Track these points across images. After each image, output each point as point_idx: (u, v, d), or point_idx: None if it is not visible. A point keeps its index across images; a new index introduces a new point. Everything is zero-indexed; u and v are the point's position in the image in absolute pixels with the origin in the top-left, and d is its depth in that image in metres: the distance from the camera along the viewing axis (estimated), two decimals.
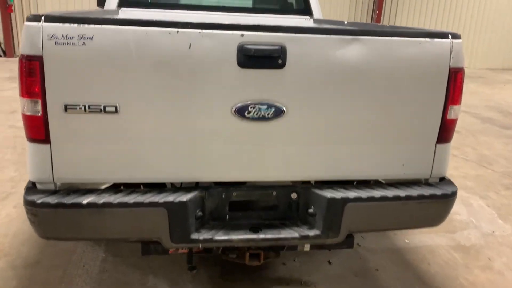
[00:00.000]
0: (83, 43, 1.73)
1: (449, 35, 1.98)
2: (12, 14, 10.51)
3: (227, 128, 1.90)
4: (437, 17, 13.21)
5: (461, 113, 2.07)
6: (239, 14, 3.97)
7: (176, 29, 1.77)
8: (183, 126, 1.87)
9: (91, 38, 1.73)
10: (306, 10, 4.06)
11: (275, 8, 4.30)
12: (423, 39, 1.95)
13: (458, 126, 2.12)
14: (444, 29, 13.17)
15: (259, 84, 1.87)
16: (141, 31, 1.76)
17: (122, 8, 3.73)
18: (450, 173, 4.58)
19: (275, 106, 1.89)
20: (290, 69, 1.87)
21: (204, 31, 1.79)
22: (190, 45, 1.79)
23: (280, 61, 1.85)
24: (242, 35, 1.81)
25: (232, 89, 1.86)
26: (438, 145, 2.11)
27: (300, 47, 1.86)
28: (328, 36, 1.88)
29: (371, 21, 12.65)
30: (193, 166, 1.94)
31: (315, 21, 4.00)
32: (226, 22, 1.83)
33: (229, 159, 1.96)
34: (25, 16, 10.77)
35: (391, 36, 1.93)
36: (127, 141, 1.86)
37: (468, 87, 9.73)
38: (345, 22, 3.29)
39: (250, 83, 1.86)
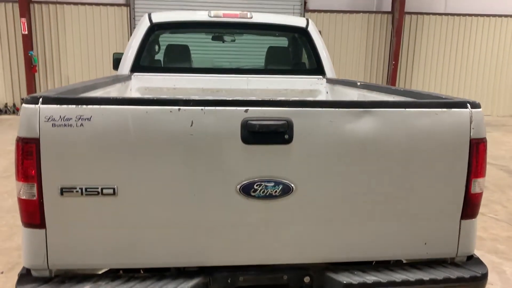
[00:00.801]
0: (81, 124, 1.66)
1: (468, 104, 1.86)
2: (36, 74, 10.93)
3: (232, 208, 1.78)
4: (455, 64, 13.14)
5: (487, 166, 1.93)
6: (252, 76, 3.95)
7: (177, 107, 1.70)
8: (185, 208, 1.76)
9: (89, 119, 1.67)
10: (318, 69, 4.03)
11: (288, 69, 4.28)
12: (439, 110, 1.83)
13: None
14: (463, 76, 13.06)
15: (265, 161, 1.76)
16: (140, 110, 1.69)
17: (135, 73, 3.76)
18: (478, 235, 4.31)
19: (283, 183, 1.77)
20: (298, 144, 1.76)
21: (206, 108, 1.71)
22: (192, 123, 1.71)
23: (286, 136, 1.75)
24: (246, 110, 1.72)
25: (237, 166, 1.75)
26: (463, 221, 1.93)
27: (307, 122, 1.76)
28: (336, 109, 1.78)
29: (388, 72, 12.64)
30: (196, 250, 1.81)
31: (328, 80, 3.96)
32: (230, 98, 1.75)
33: (234, 241, 1.83)
34: (48, 76, 11.18)
35: (404, 108, 1.82)
36: (125, 225, 1.75)
37: (493, 137, 9.47)
38: (358, 84, 3.21)
39: (255, 160, 1.76)
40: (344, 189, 1.82)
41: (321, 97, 3.99)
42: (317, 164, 1.79)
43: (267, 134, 1.74)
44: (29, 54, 10.56)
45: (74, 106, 1.66)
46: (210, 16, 3.86)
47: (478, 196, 1.93)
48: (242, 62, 8.36)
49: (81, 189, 1.69)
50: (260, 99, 1.75)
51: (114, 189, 1.71)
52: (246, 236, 1.82)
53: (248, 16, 3.89)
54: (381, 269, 1.91)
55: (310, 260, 1.91)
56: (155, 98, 1.71)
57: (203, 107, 1.71)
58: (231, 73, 3.97)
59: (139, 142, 1.70)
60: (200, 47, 6.80)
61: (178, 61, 4.11)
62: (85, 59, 11.39)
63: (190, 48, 4.16)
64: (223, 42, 4.81)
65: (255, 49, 6.25)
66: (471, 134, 1.84)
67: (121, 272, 1.87)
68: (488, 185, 5.91)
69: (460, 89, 13.12)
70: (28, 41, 10.58)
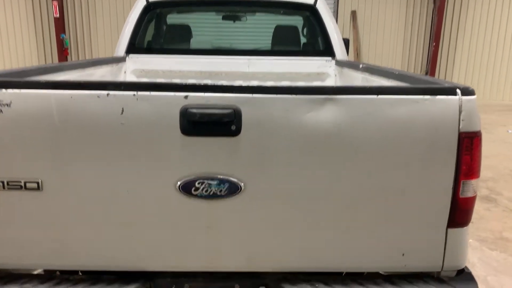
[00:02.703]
0: (0, 111, 1.49)
1: (458, 90, 1.53)
2: (68, 57, 11.10)
3: (171, 208, 1.56)
4: (504, 46, 12.13)
5: None
6: (254, 57, 3.68)
7: (105, 92, 1.49)
8: (118, 206, 1.56)
9: (9, 105, 1.49)
10: (327, 51, 3.69)
11: (294, 50, 3.97)
12: (420, 97, 1.52)
13: None
14: (506, 53, 11.95)
15: (208, 155, 1.53)
16: (65, 95, 1.49)
17: (130, 55, 3.59)
18: (506, 236, 3.90)
19: (229, 182, 1.53)
20: (247, 137, 1.51)
21: (139, 93, 1.49)
22: (122, 110, 1.49)
23: (233, 127, 1.50)
24: (185, 97, 1.49)
25: (175, 161, 1.53)
26: (450, 230, 1.62)
27: (258, 111, 1.50)
28: (293, 96, 1.50)
29: (428, 54, 11.87)
30: (134, 253, 1.62)
31: (337, 62, 3.62)
32: (166, 81, 1.52)
33: (176, 245, 1.61)
34: (80, 58, 11.34)
35: (377, 94, 1.51)
36: (54, 223, 1.58)
37: None
38: (360, 66, 2.88)
39: (197, 154, 1.52)
40: (302, 189, 1.56)
41: (330, 80, 3.66)
42: (270, 159, 1.53)
43: (210, 124, 1.50)
44: (61, 37, 10.72)
45: None
46: None
47: (470, 200, 1.61)
48: (244, 44, 7.89)
49: (3, 182, 1.53)
50: (202, 83, 1.51)
51: (38, 183, 1.53)
52: (189, 240, 1.61)
53: None
54: (349, 282, 1.64)
55: (263, 269, 1.67)
56: (81, 81, 1.51)
57: (135, 92, 1.49)
58: (232, 55, 3.71)
59: (64, 132, 1.50)
60: (200, 27, 6.44)
61: (177, 42, 3.90)
62: (115, 42, 11.42)
63: (190, 28, 3.93)
64: (234, 22, 4.55)
65: (259, 29, 5.93)
66: (461, 127, 1.52)
67: (57, 273, 1.71)
68: None
69: (510, 74, 12.13)
70: (60, 24, 10.73)
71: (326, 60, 3.67)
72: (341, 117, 1.51)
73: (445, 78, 11.61)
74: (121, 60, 3.48)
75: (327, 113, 1.50)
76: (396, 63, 11.68)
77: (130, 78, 3.56)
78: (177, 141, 1.50)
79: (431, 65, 11.35)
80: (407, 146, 1.54)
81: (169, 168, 1.53)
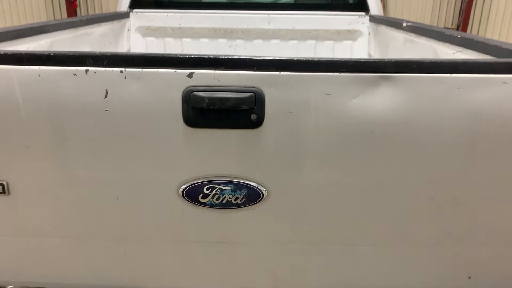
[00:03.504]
0: None
1: None
2: (77, 10, 10.58)
3: (172, 219, 1.22)
4: None
5: None
6: (275, 12, 3.21)
7: (84, 68, 1.11)
8: (105, 215, 1.22)
9: None
10: (360, 4, 3.19)
11: (321, 3, 3.47)
12: (509, 76, 1.10)
13: None
14: None
15: (221, 153, 1.16)
16: (31, 72, 1.11)
17: (135, 10, 3.15)
18: None
19: (249, 187, 1.17)
20: (272, 129, 1.13)
21: (128, 69, 1.10)
22: (106, 93, 1.12)
23: (253, 117, 1.12)
24: (190, 74, 1.10)
25: (177, 160, 1.16)
26: None
27: (287, 94, 1.11)
28: (335, 74, 1.10)
29: (462, 5, 10.95)
30: (126, 271, 1.29)
31: (372, 18, 3.13)
32: (165, 54, 1.12)
33: (175, 264, 1.28)
34: (89, 11, 10.84)
35: (450, 73, 1.10)
36: (23, 232, 1.26)
37: None
38: (404, 24, 2.41)
39: (205, 152, 1.15)
40: (345, 197, 1.19)
41: (362, 40, 3.19)
42: (302, 159, 1.16)
43: (223, 112, 1.12)
44: None
45: None
46: None
47: None
48: None
49: None
50: (211, 57, 1.11)
51: (3, 185, 1.19)
52: (195, 259, 1.27)
53: None
54: None
55: None
56: (51, 53, 1.12)
57: (123, 69, 1.10)
58: (250, 9, 3.24)
59: (33, 121, 1.14)
60: None
61: None
62: None
63: None
64: None
65: None
66: None
67: None
68: None
69: None
70: None
71: (359, 16, 3.18)
72: (402, 104, 1.11)
73: (478, 33, 10.78)
74: (124, 16, 3.05)
75: (382, 99, 1.11)
76: (425, 16, 10.86)
77: (135, 37, 3.15)
78: (179, 134, 1.13)
79: (464, 18, 10.48)
80: (487, 142, 1.14)
81: (169, 168, 1.17)
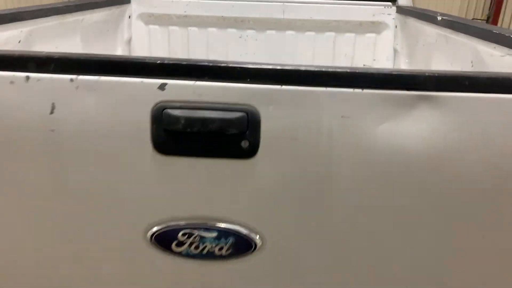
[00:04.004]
0: None
1: None
2: None
3: (135, 269, 0.95)
4: None
5: None
6: (291, 1, 2.88)
7: (24, 74, 0.84)
8: (52, 262, 0.96)
9: None
10: None
11: None
12: None
13: None
14: None
15: (202, 189, 0.88)
16: None
17: None
18: None
19: (237, 234, 0.89)
20: (269, 160, 0.85)
21: (81, 77, 0.83)
22: (53, 107, 0.85)
23: (245, 144, 0.84)
24: (161, 86, 0.82)
25: (144, 196, 0.89)
26: None
27: (290, 115, 0.82)
28: (357, 90, 0.81)
29: (491, 3, 10.33)
30: None
31: (399, 9, 2.79)
32: (129, 58, 0.85)
33: None
34: None
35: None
36: None
37: None
38: (439, 18, 2.07)
39: (180, 187, 0.88)
40: (367, 252, 0.90)
41: (387, 33, 2.86)
42: (309, 200, 0.87)
43: (204, 137, 0.84)
44: None
45: None
46: None
47: None
48: None
49: None
50: (191, 63, 0.83)
51: None
52: None
53: None
54: None
55: None
56: None
57: (73, 76, 0.83)
58: None
59: None
60: None
61: None
62: None
63: None
64: None
65: None
66: None
67: None
68: None
69: None
70: None
71: (385, 6, 2.83)
72: (446, 133, 0.81)
73: (509, 26, 10.20)
74: (125, 1, 2.78)
75: (419, 123, 0.81)
76: (453, 6, 10.31)
77: (137, 25, 2.88)
78: (146, 163, 0.86)
79: (496, 8, 9.88)
80: None
81: (134, 207, 0.90)
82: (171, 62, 0.82)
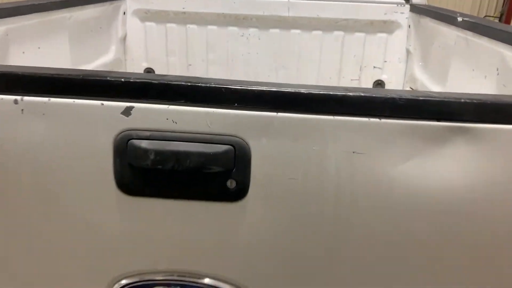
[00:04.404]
0: None
1: None
2: None
3: None
4: None
5: None
6: None
7: None
8: None
9: None
10: None
11: None
12: None
13: None
14: None
15: (177, 237, 0.71)
16: None
17: None
18: None
19: None
20: (261, 204, 0.68)
21: (27, 99, 0.66)
22: None
23: (232, 184, 0.66)
24: (126, 110, 0.65)
25: (107, 244, 0.72)
26: None
27: (288, 149, 0.65)
28: (373, 120, 0.63)
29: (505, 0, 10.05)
30: None
31: (413, 8, 2.59)
32: (80, 74, 0.67)
33: None
34: None
35: None
36: None
37: None
38: (459, 19, 1.88)
39: (150, 234, 0.71)
40: None
41: (400, 33, 2.66)
42: (311, 254, 0.70)
43: (180, 175, 0.67)
44: None
45: None
46: None
47: None
48: None
49: None
50: (163, 81, 0.65)
51: None
52: None
53: None
54: None
55: None
56: None
57: (18, 97, 0.66)
58: None
59: None
60: None
61: None
62: None
63: None
64: None
65: None
66: None
67: None
68: None
69: None
70: None
71: (398, 4, 2.64)
72: (488, 174, 0.64)
73: None
74: None
75: (451, 162, 0.64)
76: (465, 4, 10.04)
77: (132, 22, 2.70)
78: (109, 205, 0.69)
79: (510, 5, 9.58)
80: None
81: (94, 257, 0.73)
82: (138, 80, 0.65)
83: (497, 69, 1.55)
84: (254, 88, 0.63)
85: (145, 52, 2.74)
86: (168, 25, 2.71)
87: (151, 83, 0.65)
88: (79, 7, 2.10)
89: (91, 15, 2.30)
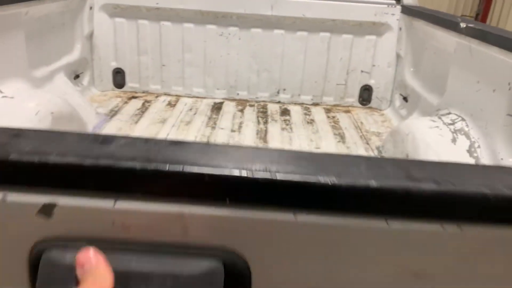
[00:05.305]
0: None
1: None
2: None
3: None
4: None
5: None
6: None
7: None
8: None
9: None
10: None
11: None
12: None
13: None
14: None
15: None
16: None
17: None
18: None
19: None
20: None
21: None
22: None
23: None
24: (46, 209, 0.43)
25: None
26: None
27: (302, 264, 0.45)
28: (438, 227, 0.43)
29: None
30: None
31: (405, 9, 2.42)
32: None
33: None
34: None
35: None
36: None
37: None
38: (462, 25, 1.70)
39: None
40: None
41: (390, 36, 2.48)
42: None
43: None
44: None
45: None
46: None
47: None
48: None
49: None
50: (109, 164, 0.43)
51: None
52: None
53: None
54: None
55: None
56: None
57: None
58: None
59: None
60: None
61: None
62: None
63: None
64: None
65: None
66: None
67: None
68: None
69: None
70: None
71: (388, 5, 2.46)
72: None
73: (498, 24, 9.94)
74: None
75: None
76: (442, 3, 10.00)
77: (100, 18, 2.44)
78: None
79: (485, 5, 9.58)
80: None
81: None
82: (63, 158, 0.43)
83: (509, 84, 1.39)
84: (251, 176, 0.42)
85: (114, 50, 2.48)
86: (140, 21, 2.45)
87: (82, 165, 0.42)
88: (37, 1, 1.84)
89: (52, 10, 2.04)
